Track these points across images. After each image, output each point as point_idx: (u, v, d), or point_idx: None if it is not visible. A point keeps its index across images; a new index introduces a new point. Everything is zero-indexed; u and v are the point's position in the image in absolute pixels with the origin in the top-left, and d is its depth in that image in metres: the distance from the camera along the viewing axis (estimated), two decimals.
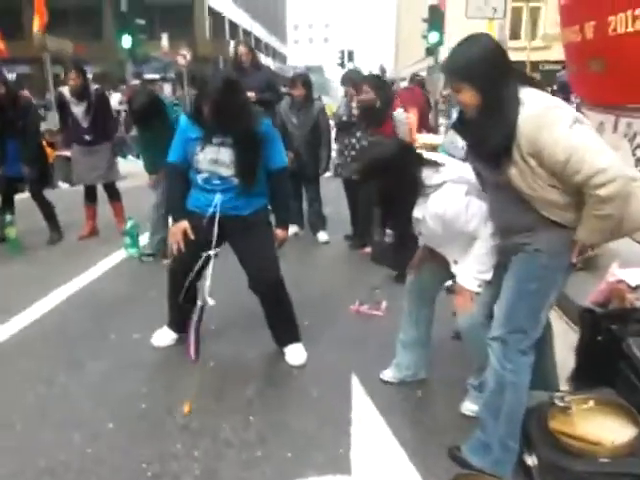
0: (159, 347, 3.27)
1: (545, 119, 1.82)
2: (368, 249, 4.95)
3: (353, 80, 5.28)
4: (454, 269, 2.48)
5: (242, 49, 5.92)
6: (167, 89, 22.00)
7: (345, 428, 2.48)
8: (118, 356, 3.20)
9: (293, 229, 5.81)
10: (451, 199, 2.31)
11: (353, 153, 5.13)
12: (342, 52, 32.51)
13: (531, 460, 2.07)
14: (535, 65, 14.04)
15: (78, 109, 5.56)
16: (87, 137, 5.59)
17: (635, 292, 2.99)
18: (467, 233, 2.36)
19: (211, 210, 2.87)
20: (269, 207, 3.10)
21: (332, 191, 6.15)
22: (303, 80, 5.27)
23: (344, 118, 5.20)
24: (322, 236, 5.57)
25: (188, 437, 2.44)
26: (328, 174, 5.91)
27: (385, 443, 2.38)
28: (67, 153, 7.90)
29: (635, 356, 2.27)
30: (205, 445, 2.38)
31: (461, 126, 2.12)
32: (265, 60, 43.24)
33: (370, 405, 2.65)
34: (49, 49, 12.76)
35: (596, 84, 3.88)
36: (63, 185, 9.11)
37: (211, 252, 2.93)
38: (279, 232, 3.07)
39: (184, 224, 2.95)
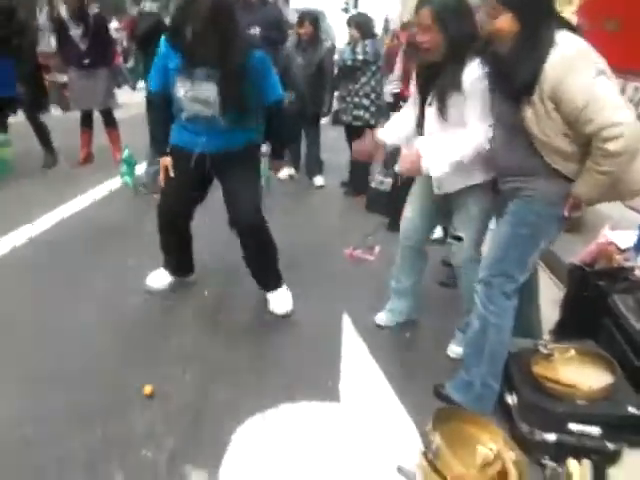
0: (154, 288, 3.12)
1: (573, 63, 1.83)
2: (363, 196, 4.98)
3: (359, 23, 5.17)
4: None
5: None
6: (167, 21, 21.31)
7: (335, 364, 2.56)
8: (114, 280, 3.24)
9: (289, 171, 5.81)
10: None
11: (356, 99, 5.07)
12: None
13: (511, 399, 2.17)
14: None
15: (76, 31, 5.42)
16: (85, 60, 5.47)
17: (623, 254, 3.07)
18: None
19: (198, 150, 2.70)
20: (260, 142, 2.98)
21: (330, 138, 6.11)
22: (311, 18, 5.15)
23: (349, 63, 5.11)
24: (318, 180, 5.57)
25: (182, 361, 2.51)
26: (325, 120, 5.86)
27: (373, 378, 2.47)
28: (60, 79, 7.71)
29: (619, 311, 2.35)
30: (198, 369, 2.45)
31: (485, 55, 2.12)
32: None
33: (360, 343, 2.74)
34: None
35: (608, 45, 3.84)
36: (55, 112, 8.93)
37: None
38: (276, 162, 3.12)
39: (167, 160, 2.81)
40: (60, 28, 5.53)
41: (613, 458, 1.99)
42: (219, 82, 2.48)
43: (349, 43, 5.29)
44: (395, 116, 2.71)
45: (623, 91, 3.71)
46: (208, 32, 2.39)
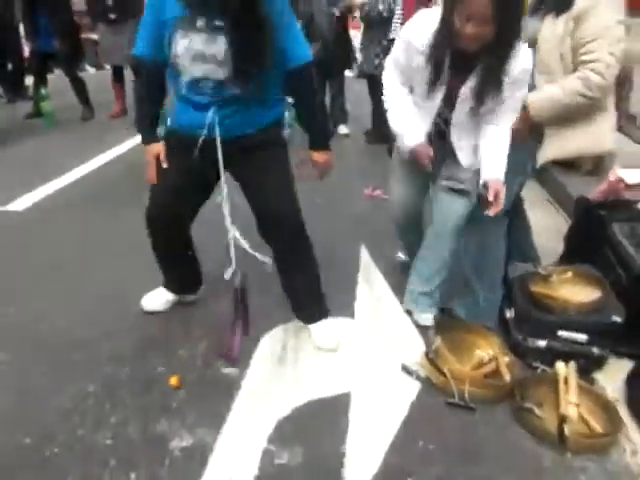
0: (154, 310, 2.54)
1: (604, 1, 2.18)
2: (385, 144, 5.14)
3: None
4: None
5: None
6: None
7: (352, 286, 2.83)
8: None
9: None
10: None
11: (378, 50, 5.18)
12: None
13: (509, 313, 2.40)
14: None
15: None
16: (112, 15, 5.65)
17: (632, 189, 3.21)
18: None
19: (203, 134, 2.02)
20: (286, 120, 2.30)
21: (355, 91, 6.22)
22: None
23: (385, 14, 5.11)
24: (342, 129, 5.75)
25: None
26: (351, 73, 5.96)
27: (385, 298, 2.73)
28: (93, 36, 7.95)
29: (616, 237, 2.53)
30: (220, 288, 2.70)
31: None
32: None
33: (375, 269, 2.99)
34: None
35: None
36: (90, 69, 9.23)
37: (222, 195, 2.17)
38: (317, 156, 2.22)
39: (157, 149, 2.14)
40: None
41: (598, 362, 2.21)
42: (229, 33, 1.88)
43: None
44: (403, 115, 2.23)
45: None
46: None
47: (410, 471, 1.74)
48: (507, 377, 2.07)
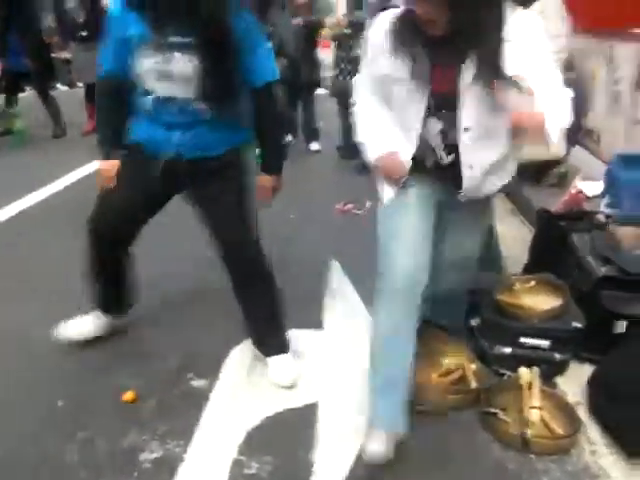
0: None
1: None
2: (357, 160, 5.23)
3: None
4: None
5: None
6: None
7: (320, 298, 2.87)
8: None
9: (286, 138, 6.07)
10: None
11: (347, 67, 5.30)
12: None
13: (475, 322, 2.47)
14: None
15: (71, 5, 5.61)
16: (83, 33, 5.66)
17: (590, 201, 3.34)
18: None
19: (169, 153, 1.97)
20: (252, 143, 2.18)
21: (328, 107, 6.32)
22: None
23: (344, 31, 5.29)
24: (314, 145, 5.84)
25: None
26: (323, 91, 6.09)
27: (355, 310, 2.77)
28: (65, 54, 7.95)
29: (575, 246, 2.63)
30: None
31: None
32: None
33: (345, 282, 3.03)
34: None
35: (582, 7, 4.05)
36: (63, 87, 9.19)
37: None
38: (265, 181, 2.13)
39: (113, 164, 2.08)
40: (60, 4, 5.74)
41: (560, 367, 2.28)
42: (198, 51, 1.82)
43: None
44: (369, 125, 1.93)
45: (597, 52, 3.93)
46: None
47: (378, 479, 1.77)
48: (473, 384, 2.12)
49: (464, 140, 1.76)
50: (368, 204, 4.11)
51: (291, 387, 2.20)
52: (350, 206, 4.12)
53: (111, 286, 2.35)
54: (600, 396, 2.07)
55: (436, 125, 1.80)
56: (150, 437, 1.91)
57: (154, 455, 1.83)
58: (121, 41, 1.90)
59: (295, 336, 2.49)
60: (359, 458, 1.82)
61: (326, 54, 6.53)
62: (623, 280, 2.31)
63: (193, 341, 2.34)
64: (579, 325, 2.25)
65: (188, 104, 1.90)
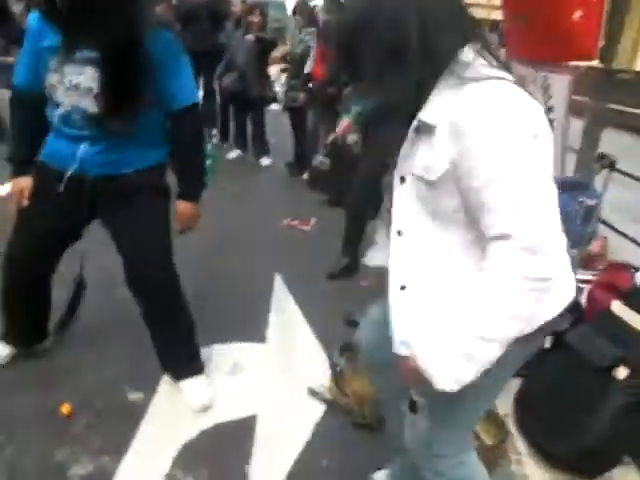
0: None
1: None
2: (306, 175, 5.31)
3: (302, 11, 5.48)
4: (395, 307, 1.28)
5: None
6: None
7: (265, 313, 2.89)
8: None
9: (236, 152, 6.11)
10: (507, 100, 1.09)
11: (298, 84, 5.39)
12: None
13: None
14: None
15: (17, 7, 5.49)
16: None
17: None
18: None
19: (72, 167, 1.88)
20: (166, 166, 2.08)
21: (281, 123, 6.40)
22: (261, 9, 5.58)
23: (297, 50, 5.36)
24: (264, 160, 5.87)
25: None
26: (276, 106, 6.17)
27: (297, 325, 2.81)
28: (7, 59, 7.73)
29: None
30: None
31: None
32: None
33: (288, 296, 3.07)
34: None
35: (519, 38, 4.28)
36: (6, 91, 8.93)
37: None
38: (184, 208, 2.04)
39: (24, 182, 1.99)
40: (3, 7, 5.60)
41: None
42: (101, 65, 1.79)
43: (297, 27, 5.61)
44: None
45: (535, 81, 4.14)
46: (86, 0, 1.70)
47: None
48: None
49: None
50: (313, 220, 4.19)
51: (205, 410, 2.14)
52: (296, 222, 4.17)
53: (23, 318, 2.24)
54: (523, 410, 2.18)
55: None
56: (82, 451, 1.87)
57: (84, 470, 1.80)
58: (35, 53, 1.86)
59: (237, 348, 2.51)
60: (293, 471, 1.85)
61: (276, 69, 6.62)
62: None
63: (131, 355, 2.31)
64: None
65: (94, 118, 1.84)
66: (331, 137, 3.25)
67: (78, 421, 2.01)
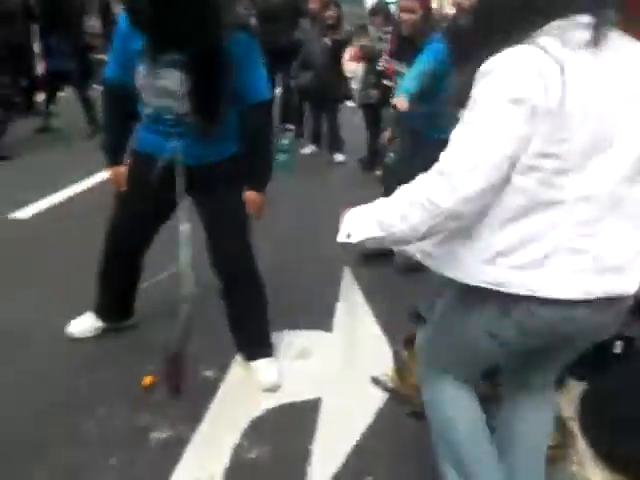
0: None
1: None
2: (379, 172, 5.36)
3: (379, 11, 5.55)
4: None
5: None
6: None
7: (333, 302, 3.00)
8: None
9: (310, 148, 6.26)
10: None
11: (373, 80, 5.46)
12: None
13: None
14: None
15: (117, 9, 5.88)
16: None
17: None
18: None
19: (164, 159, 2.09)
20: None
21: (355, 119, 6.49)
22: (335, 2, 5.67)
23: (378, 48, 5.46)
24: (338, 157, 5.98)
25: None
26: (351, 103, 6.27)
27: (362, 316, 2.89)
28: (104, 57, 8.26)
29: None
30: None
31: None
32: None
33: (356, 290, 3.16)
34: None
35: None
36: (99, 87, 9.54)
37: (183, 227, 2.15)
38: (252, 196, 2.19)
39: (120, 171, 2.24)
40: (105, 9, 6.01)
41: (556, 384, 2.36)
42: (187, 69, 1.92)
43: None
44: None
45: None
46: (170, 5, 1.82)
47: (369, 471, 1.89)
48: None
49: None
50: None
51: (274, 389, 2.28)
52: None
53: (115, 294, 2.49)
54: (589, 413, 2.16)
55: None
56: (161, 419, 2.05)
57: (163, 435, 1.98)
58: (124, 53, 2.02)
59: (304, 335, 2.63)
60: (352, 453, 1.94)
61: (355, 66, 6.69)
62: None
63: (207, 336, 2.46)
64: None
65: (180, 117, 2.01)
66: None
67: (158, 392, 2.20)
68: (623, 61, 1.24)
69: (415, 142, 3.43)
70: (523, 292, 1.27)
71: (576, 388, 2.34)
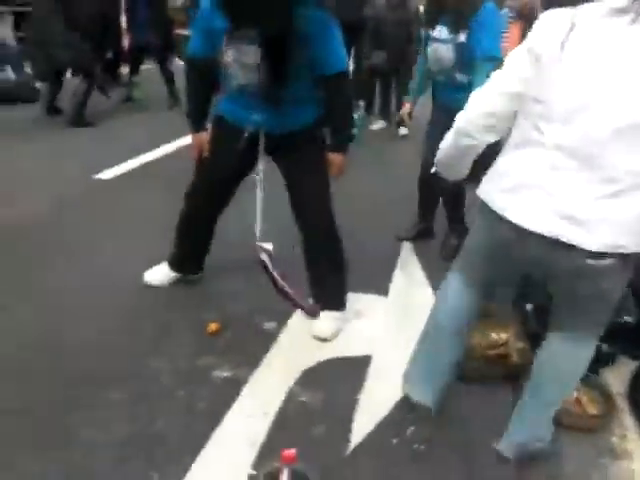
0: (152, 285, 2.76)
1: None
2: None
3: None
4: None
5: None
6: None
7: (391, 269, 3.11)
8: None
9: (380, 124, 6.33)
10: None
11: None
12: None
13: (529, 306, 2.58)
14: None
15: None
16: None
17: None
18: None
19: (248, 129, 2.28)
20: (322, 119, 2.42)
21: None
22: None
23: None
24: (402, 130, 6.09)
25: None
26: None
27: (418, 285, 2.98)
28: (185, 32, 8.56)
29: None
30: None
31: None
32: None
33: (415, 260, 3.24)
34: None
35: None
36: (180, 62, 9.90)
37: (258, 177, 2.39)
38: (333, 157, 2.38)
39: (203, 137, 2.45)
40: None
41: (607, 359, 2.37)
42: (262, 45, 2.09)
43: None
44: None
45: None
46: None
47: (413, 422, 2.00)
48: (514, 359, 2.26)
49: None
50: None
51: (328, 340, 2.44)
52: None
53: (190, 248, 2.71)
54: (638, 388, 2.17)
55: None
56: (222, 361, 2.24)
57: (224, 374, 2.17)
58: (207, 31, 2.22)
59: (362, 298, 2.75)
60: (400, 403, 2.06)
61: None
62: None
63: (267, 289, 2.61)
64: (630, 319, 2.32)
65: (260, 89, 2.18)
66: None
67: (221, 338, 2.40)
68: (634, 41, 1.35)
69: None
70: (498, 210, 1.57)
71: (629, 365, 2.35)
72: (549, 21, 1.47)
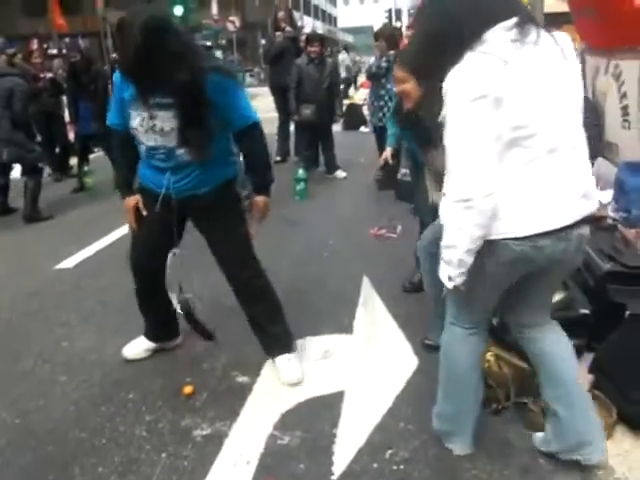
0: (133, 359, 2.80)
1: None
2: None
3: (385, 36, 5.83)
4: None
5: (281, 14, 6.66)
6: (219, 56, 22.98)
7: (352, 308, 3.22)
8: None
9: (340, 172, 6.73)
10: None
11: (381, 103, 5.75)
12: (389, 11, 32.37)
13: (495, 321, 2.69)
14: None
15: None
16: None
17: (605, 208, 3.55)
18: None
19: (162, 191, 2.37)
20: (236, 177, 2.61)
21: (348, 141, 6.88)
22: (319, 38, 6.30)
23: (373, 70, 5.83)
24: (340, 173, 6.44)
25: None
26: (367, 129, 6.68)
27: (382, 320, 3.10)
28: None
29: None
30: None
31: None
32: (314, 22, 43.24)
33: (375, 296, 3.37)
34: (109, 21, 13.78)
35: (590, 30, 4.33)
36: None
37: (174, 250, 2.52)
38: (257, 200, 2.50)
39: (134, 199, 2.52)
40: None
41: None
42: (176, 109, 2.20)
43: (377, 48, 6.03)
44: None
45: (607, 70, 4.18)
46: (144, 59, 2.09)
47: (390, 445, 2.09)
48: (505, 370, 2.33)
49: None
50: (399, 228, 4.46)
51: (297, 383, 2.52)
52: (383, 230, 4.47)
53: (154, 319, 2.77)
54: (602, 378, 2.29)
55: None
56: (201, 419, 2.31)
57: (205, 432, 2.23)
58: (120, 100, 2.34)
59: (327, 339, 2.85)
60: (375, 430, 2.14)
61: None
62: (627, 274, 2.53)
63: (240, 348, 2.71)
64: (586, 311, 2.49)
65: (172, 151, 2.28)
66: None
67: (197, 398, 2.46)
68: (547, 48, 1.62)
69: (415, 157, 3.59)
70: (535, 232, 1.63)
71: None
72: (482, 68, 1.52)
